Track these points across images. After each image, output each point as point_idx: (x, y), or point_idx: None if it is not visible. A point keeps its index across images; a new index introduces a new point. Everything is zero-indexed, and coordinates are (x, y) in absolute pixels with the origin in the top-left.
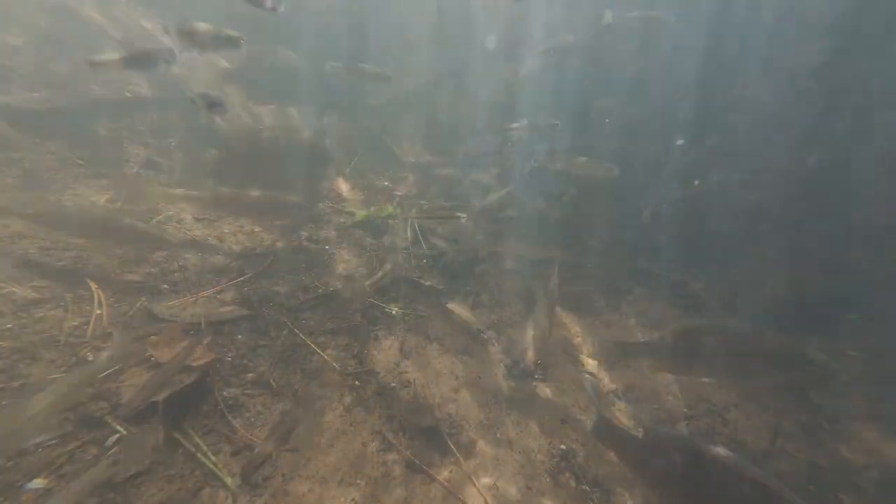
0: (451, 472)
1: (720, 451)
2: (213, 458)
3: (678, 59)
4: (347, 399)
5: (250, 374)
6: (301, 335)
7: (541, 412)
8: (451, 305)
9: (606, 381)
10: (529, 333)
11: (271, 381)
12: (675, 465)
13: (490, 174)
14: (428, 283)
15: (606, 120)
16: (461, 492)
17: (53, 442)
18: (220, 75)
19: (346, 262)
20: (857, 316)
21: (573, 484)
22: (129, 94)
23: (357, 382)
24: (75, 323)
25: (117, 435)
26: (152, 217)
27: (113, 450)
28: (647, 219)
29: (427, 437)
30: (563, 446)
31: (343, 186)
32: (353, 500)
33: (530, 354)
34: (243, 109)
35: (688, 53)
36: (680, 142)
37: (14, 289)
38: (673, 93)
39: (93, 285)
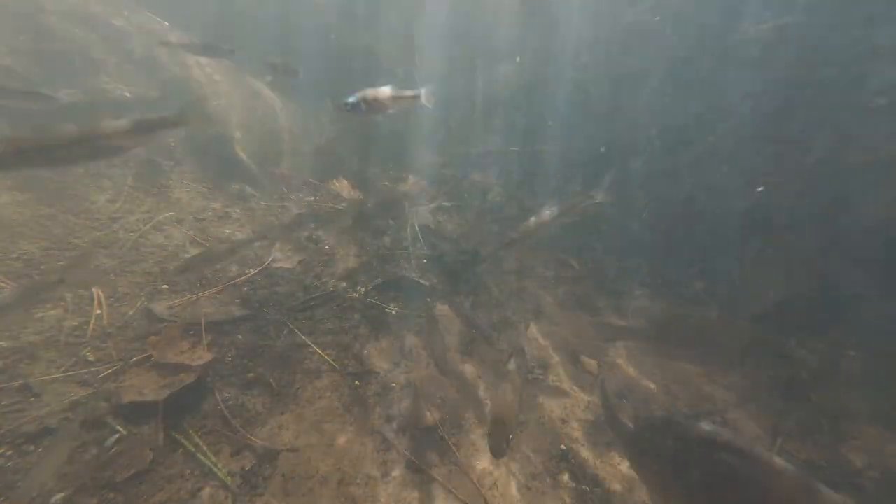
0: (450, 471)
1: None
2: (213, 458)
3: None
4: (347, 399)
5: (250, 374)
6: (301, 335)
7: (541, 411)
8: (452, 305)
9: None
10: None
11: (271, 381)
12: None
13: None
14: (428, 283)
15: None
16: (461, 491)
17: None
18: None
19: (345, 261)
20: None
21: (573, 484)
22: (128, 95)
23: (357, 382)
24: (75, 323)
25: (117, 435)
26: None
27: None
28: (646, 217)
29: (427, 436)
30: (562, 446)
31: (342, 185)
32: (352, 499)
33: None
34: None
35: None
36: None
37: None
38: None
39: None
